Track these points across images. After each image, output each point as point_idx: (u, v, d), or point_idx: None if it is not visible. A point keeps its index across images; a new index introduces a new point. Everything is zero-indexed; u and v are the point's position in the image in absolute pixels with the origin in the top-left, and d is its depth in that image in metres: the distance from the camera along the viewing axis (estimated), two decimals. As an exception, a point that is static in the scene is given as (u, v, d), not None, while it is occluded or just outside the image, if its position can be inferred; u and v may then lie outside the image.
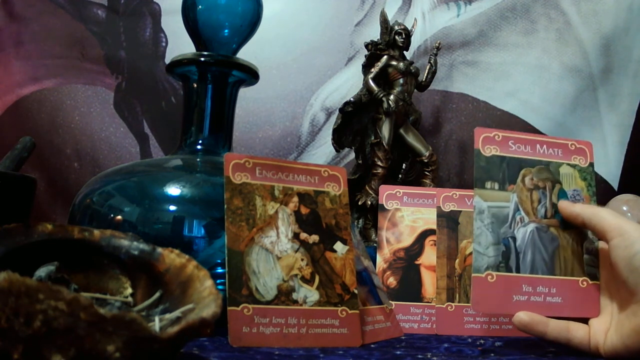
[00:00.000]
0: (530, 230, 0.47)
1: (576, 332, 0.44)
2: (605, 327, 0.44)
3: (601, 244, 0.46)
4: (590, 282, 0.46)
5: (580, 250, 0.47)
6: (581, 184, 0.49)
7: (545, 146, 0.49)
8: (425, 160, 0.86)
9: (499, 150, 0.48)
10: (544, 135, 0.56)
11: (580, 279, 0.46)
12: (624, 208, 0.79)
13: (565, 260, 0.47)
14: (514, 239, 0.47)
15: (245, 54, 0.66)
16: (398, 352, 0.44)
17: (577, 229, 0.47)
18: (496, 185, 0.48)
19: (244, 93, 0.68)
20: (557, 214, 0.48)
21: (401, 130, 0.87)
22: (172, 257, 0.41)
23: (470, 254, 0.62)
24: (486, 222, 0.47)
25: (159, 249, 0.42)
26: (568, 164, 0.49)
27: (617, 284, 0.44)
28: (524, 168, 0.48)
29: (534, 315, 0.43)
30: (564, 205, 0.47)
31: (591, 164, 0.50)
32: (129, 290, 0.42)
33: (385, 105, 0.83)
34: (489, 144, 0.48)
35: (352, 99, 0.85)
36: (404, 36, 0.86)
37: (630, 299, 0.42)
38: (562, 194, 0.48)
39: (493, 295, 0.45)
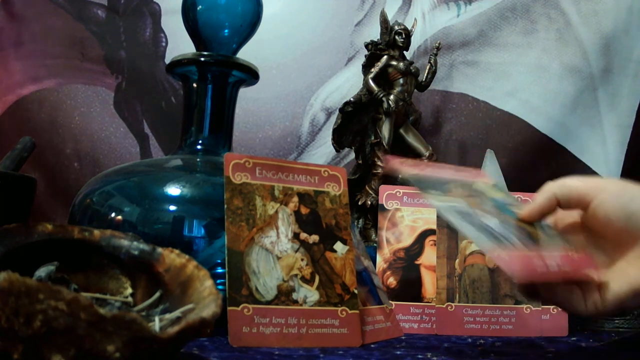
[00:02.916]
0: (499, 223, 0.43)
1: (570, 294, 0.43)
2: (595, 285, 0.43)
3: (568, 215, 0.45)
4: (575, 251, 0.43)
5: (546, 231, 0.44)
6: (501, 194, 0.47)
7: (452, 170, 0.48)
8: (425, 160, 0.86)
9: (418, 172, 0.46)
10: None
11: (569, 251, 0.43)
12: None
13: (543, 240, 0.43)
14: (491, 228, 0.43)
15: (245, 54, 0.66)
16: (398, 352, 0.44)
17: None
18: (438, 193, 0.45)
19: (244, 93, 0.68)
20: (500, 210, 0.45)
21: (401, 130, 0.87)
22: (172, 257, 0.41)
23: (471, 254, 0.62)
24: (456, 218, 0.43)
25: (159, 249, 0.42)
26: (480, 182, 0.48)
27: (604, 237, 0.43)
28: (448, 183, 0.46)
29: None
30: (529, 210, 0.45)
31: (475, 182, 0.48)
32: (129, 290, 0.42)
33: (385, 105, 0.83)
34: (410, 169, 0.46)
35: (352, 99, 0.85)
36: (404, 36, 0.86)
37: (632, 243, 0.42)
38: (497, 202, 0.46)
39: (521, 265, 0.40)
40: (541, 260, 0.41)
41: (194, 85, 0.63)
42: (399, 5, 1.02)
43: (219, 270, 0.51)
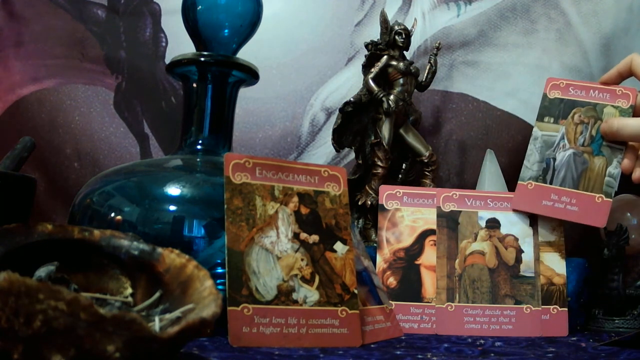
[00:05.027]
0: (568, 154, 0.61)
1: None
2: None
3: None
4: (605, 199, 0.59)
5: (603, 174, 0.59)
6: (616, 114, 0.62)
7: (597, 91, 0.63)
8: (425, 160, 0.86)
9: (560, 94, 0.63)
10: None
11: (597, 195, 0.59)
12: (624, 208, 0.79)
13: (589, 180, 0.59)
14: (554, 159, 0.61)
15: (245, 54, 0.66)
16: (398, 352, 0.44)
17: (604, 157, 0.60)
18: (552, 120, 0.63)
19: (244, 93, 0.68)
20: (592, 144, 0.61)
21: (401, 130, 0.87)
22: (172, 257, 0.41)
23: (471, 254, 0.62)
24: (537, 146, 0.62)
25: (159, 249, 0.42)
26: (612, 106, 0.62)
27: None
28: (576, 107, 0.62)
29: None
30: (609, 123, 0.59)
31: (632, 106, 0.62)
32: (129, 290, 0.42)
33: (385, 105, 0.82)
34: (555, 89, 0.64)
35: (352, 99, 0.84)
36: (404, 36, 0.86)
37: None
38: (598, 133, 0.61)
39: (528, 199, 0.61)
40: (555, 198, 0.60)
41: (194, 85, 0.63)
42: (399, 5, 1.01)
43: (219, 270, 0.51)
